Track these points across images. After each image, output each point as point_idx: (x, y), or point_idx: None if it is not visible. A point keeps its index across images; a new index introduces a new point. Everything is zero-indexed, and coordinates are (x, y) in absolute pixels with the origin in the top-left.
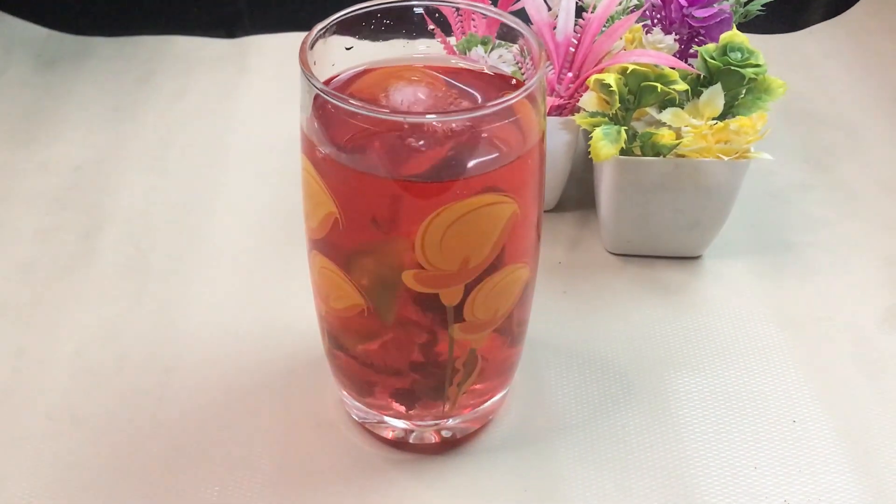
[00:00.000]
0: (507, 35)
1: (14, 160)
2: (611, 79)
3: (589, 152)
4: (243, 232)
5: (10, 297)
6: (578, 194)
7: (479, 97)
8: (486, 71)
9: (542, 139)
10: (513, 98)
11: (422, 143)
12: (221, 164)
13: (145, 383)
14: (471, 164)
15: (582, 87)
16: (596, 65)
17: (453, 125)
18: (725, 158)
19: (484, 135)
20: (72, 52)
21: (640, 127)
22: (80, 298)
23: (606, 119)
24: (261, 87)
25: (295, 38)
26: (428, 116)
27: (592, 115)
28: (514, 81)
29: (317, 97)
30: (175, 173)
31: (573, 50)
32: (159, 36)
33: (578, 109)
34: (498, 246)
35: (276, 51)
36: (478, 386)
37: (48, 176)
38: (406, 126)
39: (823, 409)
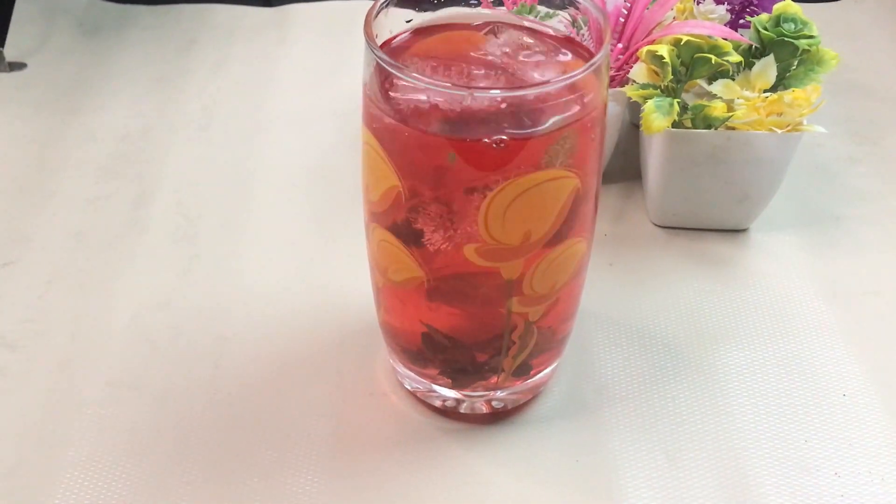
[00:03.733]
0: (560, 4)
1: (62, 129)
2: (664, 50)
3: (635, 124)
4: (290, 200)
5: (66, 265)
6: (622, 166)
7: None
8: (551, 31)
9: (605, 113)
10: (579, 73)
11: (488, 115)
12: (265, 132)
13: (201, 351)
14: (536, 138)
15: (632, 59)
16: (646, 36)
17: (519, 97)
18: (779, 131)
19: (549, 108)
20: (113, 21)
21: (689, 99)
22: (132, 267)
23: (658, 91)
24: (301, 56)
25: (331, 7)
26: (492, 91)
27: (643, 86)
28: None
29: (380, 68)
30: (220, 142)
31: (623, 21)
32: (199, 4)
33: (627, 81)
34: (559, 220)
35: (314, 19)
36: (532, 358)
37: (96, 145)
38: (472, 99)
39: (873, 384)
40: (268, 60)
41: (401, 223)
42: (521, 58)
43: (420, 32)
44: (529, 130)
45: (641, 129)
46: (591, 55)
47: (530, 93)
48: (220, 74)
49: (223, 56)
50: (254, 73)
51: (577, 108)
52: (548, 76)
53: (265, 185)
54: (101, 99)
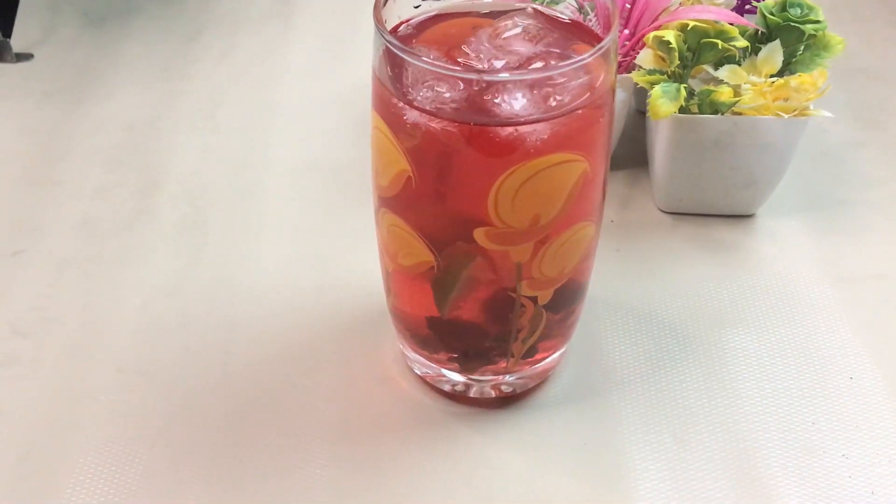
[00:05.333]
0: None
1: (69, 119)
2: (670, 35)
3: (641, 111)
4: (297, 188)
5: (75, 254)
6: (629, 153)
7: (556, 49)
8: (559, 16)
9: (613, 97)
10: (588, 56)
11: (497, 99)
12: (272, 121)
13: (210, 338)
14: (544, 121)
15: (638, 45)
16: (652, 22)
17: (530, 79)
18: (785, 116)
19: (558, 92)
20: (118, 11)
21: (695, 84)
22: (141, 255)
23: (664, 77)
24: (307, 45)
25: None
26: (501, 75)
27: (650, 72)
28: (586, 23)
29: (390, 53)
30: (226, 132)
31: (629, 7)
32: None
33: (634, 67)
34: (568, 204)
35: (319, 8)
36: (541, 342)
37: (103, 134)
38: (482, 83)
39: (879, 366)
40: (274, 49)
41: (410, 207)
42: (530, 42)
43: (429, 19)
44: (538, 114)
45: (648, 114)
46: (600, 40)
47: (539, 76)
48: (226, 64)
49: (229, 45)
50: (260, 62)
51: (585, 92)
52: (556, 60)
53: (272, 173)
54: (108, 89)
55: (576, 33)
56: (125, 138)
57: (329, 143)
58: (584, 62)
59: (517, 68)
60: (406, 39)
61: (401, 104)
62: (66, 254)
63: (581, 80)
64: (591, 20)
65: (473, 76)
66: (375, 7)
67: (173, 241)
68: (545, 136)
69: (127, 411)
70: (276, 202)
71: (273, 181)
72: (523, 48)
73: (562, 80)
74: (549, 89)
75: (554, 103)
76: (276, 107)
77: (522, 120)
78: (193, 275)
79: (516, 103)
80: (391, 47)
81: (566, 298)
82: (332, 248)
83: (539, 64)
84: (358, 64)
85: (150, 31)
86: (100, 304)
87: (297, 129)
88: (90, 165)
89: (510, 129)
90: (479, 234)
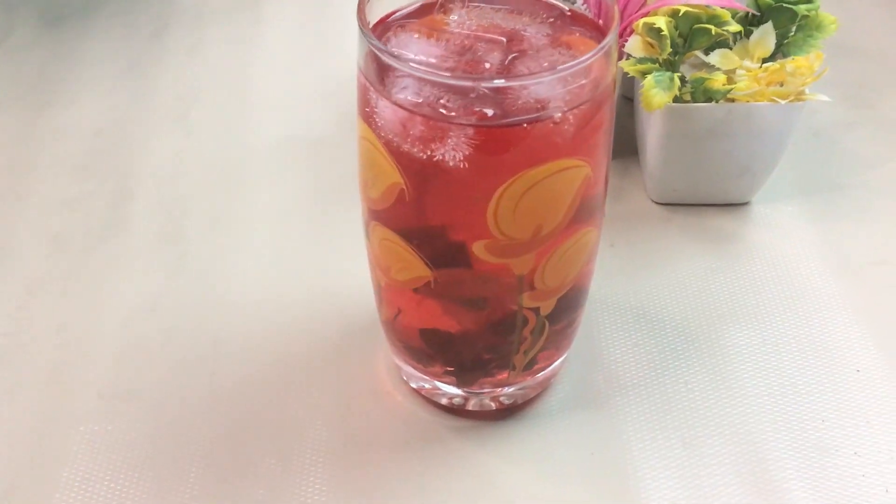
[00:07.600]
0: None
1: (30, 127)
2: (661, 22)
3: (627, 97)
4: (277, 193)
5: (46, 271)
6: (616, 142)
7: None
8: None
9: (614, 96)
10: (587, 59)
11: (493, 107)
12: (248, 119)
13: (195, 356)
14: (543, 124)
15: (626, 32)
16: (639, 8)
17: (528, 84)
18: (781, 101)
19: (559, 93)
20: (77, 9)
21: (685, 70)
22: (117, 270)
23: (656, 65)
24: (278, 38)
25: None
26: (496, 81)
27: (640, 61)
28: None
29: (376, 57)
30: (199, 133)
31: None
32: None
33: (622, 56)
34: (571, 211)
35: None
36: (542, 352)
37: (68, 142)
38: (480, 91)
39: (887, 357)
40: (244, 42)
41: (404, 222)
42: (527, 36)
43: (417, 11)
44: (535, 115)
45: (640, 104)
46: (594, 26)
47: (539, 81)
48: (194, 60)
49: (196, 40)
50: (230, 57)
51: (587, 92)
52: (556, 56)
53: (251, 176)
54: (71, 93)
55: (569, 21)
56: (93, 145)
57: (312, 141)
58: (585, 64)
59: (514, 69)
60: (394, 36)
61: (391, 111)
62: (35, 273)
63: (582, 81)
64: (578, 7)
65: (469, 83)
66: (359, 10)
67: (151, 253)
68: (547, 141)
69: (110, 441)
70: (257, 207)
71: (253, 185)
72: (520, 44)
73: (563, 81)
74: (549, 91)
75: (556, 104)
76: (251, 103)
77: (523, 119)
78: (174, 289)
79: (514, 105)
80: (377, 52)
81: (569, 307)
82: (320, 255)
83: (533, 61)
84: (336, 53)
85: (112, 28)
86: (75, 326)
87: (275, 126)
88: (57, 176)
89: (512, 134)
90: (478, 248)
